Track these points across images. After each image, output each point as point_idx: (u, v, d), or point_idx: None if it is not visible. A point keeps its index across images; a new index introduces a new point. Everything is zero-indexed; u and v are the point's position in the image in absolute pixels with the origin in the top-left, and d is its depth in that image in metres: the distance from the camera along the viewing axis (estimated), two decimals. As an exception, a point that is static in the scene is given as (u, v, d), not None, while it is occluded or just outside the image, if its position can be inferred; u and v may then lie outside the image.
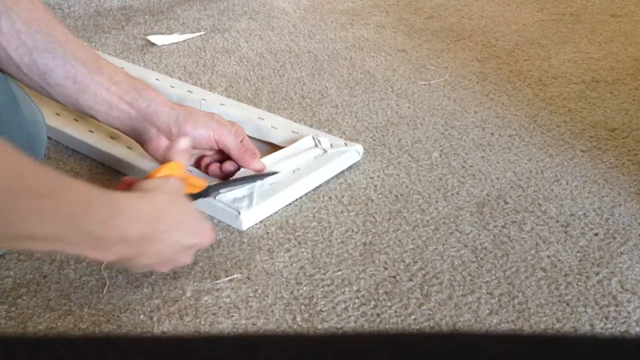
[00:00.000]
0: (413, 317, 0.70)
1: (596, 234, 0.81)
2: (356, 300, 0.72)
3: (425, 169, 0.94)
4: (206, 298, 0.73)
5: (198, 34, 1.40)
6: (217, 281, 0.75)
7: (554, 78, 1.19)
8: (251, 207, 0.83)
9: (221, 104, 1.06)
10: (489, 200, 0.88)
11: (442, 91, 1.15)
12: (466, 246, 0.80)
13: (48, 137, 0.93)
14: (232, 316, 0.71)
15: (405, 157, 0.97)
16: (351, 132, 1.03)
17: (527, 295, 0.72)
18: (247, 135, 0.91)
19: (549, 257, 0.78)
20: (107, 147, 0.95)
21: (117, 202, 0.60)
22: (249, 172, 0.86)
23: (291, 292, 0.74)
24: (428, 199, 0.88)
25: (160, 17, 1.50)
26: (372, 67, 1.24)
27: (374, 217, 0.85)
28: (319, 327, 0.70)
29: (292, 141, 0.95)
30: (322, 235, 0.82)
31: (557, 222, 0.83)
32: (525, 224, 0.83)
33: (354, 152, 0.94)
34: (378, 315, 0.71)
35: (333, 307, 0.72)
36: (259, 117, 1.02)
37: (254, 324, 0.70)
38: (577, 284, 0.74)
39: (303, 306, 0.72)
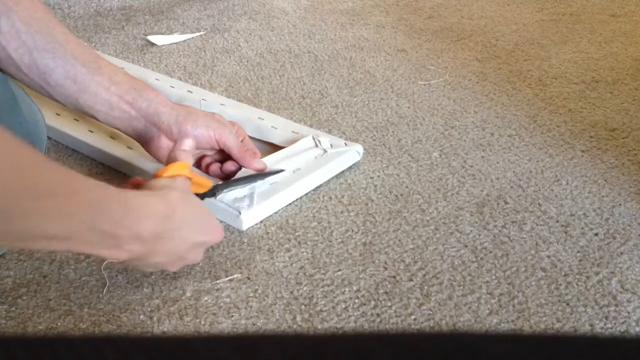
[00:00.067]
0: (413, 317, 0.70)
1: (596, 234, 0.81)
2: (356, 300, 0.72)
3: (425, 169, 0.94)
4: (206, 298, 0.73)
5: (198, 34, 1.40)
6: (217, 281, 0.75)
7: (554, 78, 1.19)
8: (251, 207, 0.83)
9: (221, 104, 1.06)
10: (489, 200, 0.88)
11: (442, 91, 1.15)
12: (466, 246, 0.80)
13: (48, 137, 0.93)
14: (232, 316, 0.71)
15: (405, 157, 0.97)
16: (351, 132, 1.03)
17: (527, 295, 0.72)
18: (247, 135, 0.91)
19: (549, 257, 0.78)
20: (107, 147, 0.95)
21: (130, 200, 0.60)
22: (250, 172, 0.86)
23: (291, 292, 0.74)
24: (428, 199, 0.88)
25: (160, 17, 1.50)
26: (372, 67, 1.24)
27: (374, 217, 0.85)
28: (319, 327, 0.70)
29: (292, 141, 0.95)
30: (322, 235, 0.82)
31: (557, 222, 0.83)
32: (525, 224, 0.83)
33: (354, 152, 0.94)
34: (378, 315, 0.71)
35: (333, 307, 0.72)
36: (259, 117, 1.02)
37: (254, 324, 0.70)
38: (577, 284, 0.74)
39: (303, 306, 0.72)
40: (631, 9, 1.50)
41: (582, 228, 0.82)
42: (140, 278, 0.76)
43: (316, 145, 0.94)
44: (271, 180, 0.87)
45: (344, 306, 0.72)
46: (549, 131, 1.03)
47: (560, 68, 1.22)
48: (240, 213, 0.82)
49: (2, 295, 0.74)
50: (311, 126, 1.04)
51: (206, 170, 0.88)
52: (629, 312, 0.70)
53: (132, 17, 1.50)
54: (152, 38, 1.37)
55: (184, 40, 1.37)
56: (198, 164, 0.89)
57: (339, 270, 0.77)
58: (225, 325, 0.70)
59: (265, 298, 0.73)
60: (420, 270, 0.76)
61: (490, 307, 0.71)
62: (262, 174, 0.86)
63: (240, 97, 1.14)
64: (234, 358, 0.32)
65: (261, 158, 0.88)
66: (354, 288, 0.74)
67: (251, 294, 0.73)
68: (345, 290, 0.74)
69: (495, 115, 1.07)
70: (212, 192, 0.79)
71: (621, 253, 0.78)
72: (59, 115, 1.03)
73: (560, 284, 0.74)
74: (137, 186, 0.71)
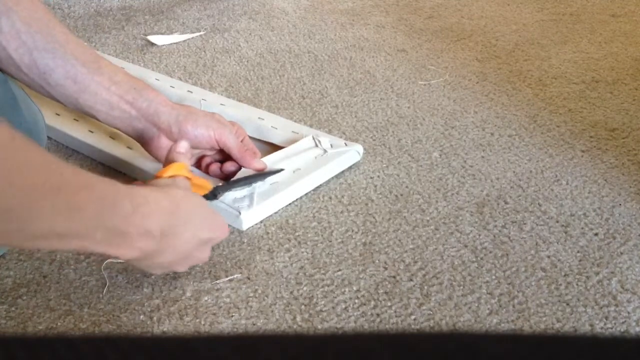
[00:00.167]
0: (413, 317, 0.70)
1: (596, 234, 0.81)
2: (356, 300, 0.72)
3: (425, 169, 0.94)
4: (206, 298, 0.73)
5: (198, 34, 1.40)
6: (217, 281, 0.75)
7: (554, 78, 1.19)
8: (251, 207, 0.83)
9: (221, 104, 1.06)
10: (489, 200, 0.88)
11: (442, 91, 1.15)
12: (466, 246, 0.80)
13: (48, 137, 0.93)
14: (232, 316, 0.71)
15: (405, 157, 0.97)
16: (351, 132, 1.03)
17: (527, 295, 0.72)
18: (247, 135, 0.91)
19: (549, 257, 0.78)
20: (107, 147, 0.95)
21: (138, 195, 0.61)
22: (250, 172, 0.86)
23: (291, 292, 0.74)
24: (428, 199, 0.88)
25: (160, 17, 1.50)
26: (372, 67, 1.24)
27: (374, 217, 0.85)
28: (319, 327, 0.70)
29: (292, 141, 0.95)
30: (322, 235, 0.82)
31: (557, 222, 0.83)
32: (525, 224, 0.83)
33: (354, 152, 0.94)
34: (378, 315, 0.71)
35: (333, 307, 0.72)
36: (259, 117, 1.02)
37: (254, 324, 0.70)
38: (577, 284, 0.74)
39: (303, 306, 0.72)
40: (631, 9, 1.50)
41: (582, 228, 0.82)
42: (140, 278, 0.76)
43: (316, 145, 0.94)
44: (271, 180, 0.87)
45: (344, 306, 0.72)
46: (549, 131, 1.03)
47: (560, 68, 1.22)
48: (240, 213, 0.82)
49: (2, 295, 0.74)
50: (311, 126, 1.04)
51: (206, 170, 0.88)
52: (629, 312, 0.70)
53: (132, 17, 1.50)
54: (152, 38, 1.37)
55: (184, 40, 1.37)
56: (198, 164, 0.89)
57: (339, 270, 0.77)
58: (225, 325, 0.70)
59: (265, 298, 0.73)
60: (420, 270, 0.76)
61: (490, 307, 0.71)
62: (262, 174, 0.87)
63: (240, 97, 1.14)
64: (234, 358, 0.32)
65: (261, 158, 0.88)
66: (354, 288, 0.74)
67: (251, 294, 0.73)
68: (345, 290, 0.74)
69: (495, 115, 1.07)
70: (213, 194, 0.79)
71: (621, 253, 0.78)
72: (59, 115, 1.03)
73: (560, 284, 0.74)
74: None
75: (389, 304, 0.72)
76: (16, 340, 0.32)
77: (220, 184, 0.83)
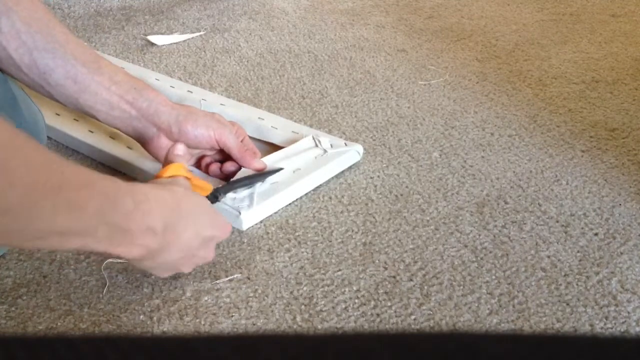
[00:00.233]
0: (413, 317, 0.70)
1: (596, 234, 0.81)
2: (356, 300, 0.72)
3: (425, 169, 0.94)
4: (206, 298, 0.73)
5: (198, 34, 1.40)
6: (217, 281, 0.75)
7: (554, 78, 1.19)
8: (251, 207, 0.83)
9: (221, 104, 1.06)
10: (489, 200, 0.88)
11: (442, 91, 1.15)
12: (466, 246, 0.80)
13: (48, 137, 0.93)
14: (232, 316, 0.71)
15: (405, 157, 0.97)
16: (351, 132, 1.03)
17: (527, 295, 0.72)
18: (247, 135, 0.91)
19: (549, 257, 0.78)
20: (107, 147, 0.95)
21: (139, 192, 0.60)
22: (250, 172, 0.86)
23: (291, 292, 0.74)
24: (428, 199, 0.88)
25: (160, 17, 1.50)
26: (372, 67, 1.24)
27: (374, 217, 0.85)
28: (319, 327, 0.70)
29: (292, 141, 0.95)
30: (322, 235, 0.82)
31: (557, 222, 0.83)
32: (525, 224, 0.83)
33: (354, 152, 0.94)
34: (378, 315, 0.71)
35: (333, 307, 0.72)
36: (259, 117, 1.02)
37: (254, 324, 0.70)
38: (577, 284, 0.74)
39: (303, 306, 0.72)
40: (631, 9, 1.50)
41: (582, 228, 0.82)
42: (140, 278, 0.76)
43: (316, 145, 0.94)
44: (271, 180, 0.87)
45: (344, 306, 0.72)
46: (549, 131, 1.03)
47: (560, 68, 1.22)
48: (240, 213, 0.82)
49: (2, 295, 0.74)
50: (311, 126, 1.04)
51: (206, 170, 0.88)
52: (629, 312, 0.70)
53: (132, 17, 1.50)
54: (152, 38, 1.37)
55: (184, 40, 1.37)
56: (198, 164, 0.89)
57: (339, 270, 0.77)
58: (225, 325, 0.70)
59: (265, 298, 0.73)
60: (420, 270, 0.76)
61: (490, 307, 0.71)
62: (262, 174, 0.87)
63: (240, 97, 1.14)
64: (234, 358, 0.32)
65: (261, 158, 0.88)
66: (354, 288, 0.74)
67: (251, 294, 0.73)
68: (345, 290, 0.74)
69: (495, 115, 1.07)
70: (214, 196, 0.80)
71: (621, 253, 0.78)
72: (59, 115, 1.03)
73: (560, 284, 0.74)
74: None
75: (389, 304, 0.72)
76: (16, 340, 0.32)
77: (220, 186, 0.83)
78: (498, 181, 0.91)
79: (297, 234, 0.82)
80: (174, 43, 1.36)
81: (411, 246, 0.80)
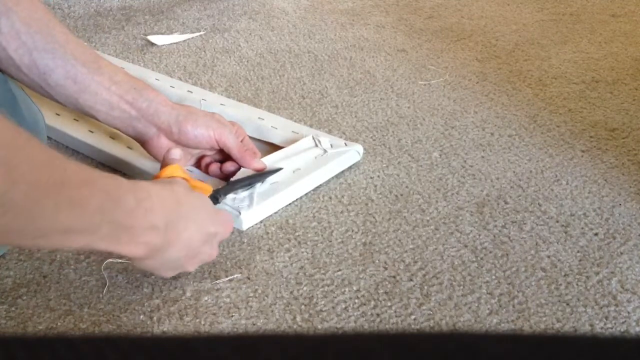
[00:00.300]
0: (413, 317, 0.70)
1: (596, 234, 0.81)
2: (356, 300, 0.72)
3: (425, 169, 0.94)
4: (206, 298, 0.73)
5: (198, 34, 1.40)
6: (217, 281, 0.75)
7: (554, 78, 1.19)
8: (251, 207, 0.83)
9: (221, 104, 1.06)
10: (489, 200, 0.88)
11: (442, 91, 1.15)
12: (466, 246, 0.80)
13: (48, 137, 0.93)
14: (232, 316, 0.71)
15: (405, 157, 0.97)
16: (351, 132, 1.03)
17: (527, 295, 0.72)
18: (247, 135, 0.91)
19: (549, 257, 0.78)
20: (107, 147, 0.95)
21: (141, 190, 0.60)
22: (249, 172, 0.86)
23: (291, 292, 0.74)
24: (428, 199, 0.88)
25: (160, 17, 1.50)
26: (372, 67, 1.24)
27: (374, 217, 0.85)
28: (319, 327, 0.70)
29: (292, 141, 0.95)
30: (322, 235, 0.82)
31: (557, 222, 0.83)
32: (525, 224, 0.83)
33: (354, 152, 0.94)
34: (378, 315, 0.71)
35: (333, 307, 0.72)
36: (259, 117, 1.02)
37: (254, 324, 0.70)
38: (577, 284, 0.74)
39: (303, 306, 0.72)
40: (631, 9, 1.50)
41: (582, 228, 0.82)
42: (140, 278, 0.76)
43: (316, 145, 0.94)
44: (271, 180, 0.87)
45: (344, 306, 0.72)
46: (549, 131, 1.03)
47: (560, 68, 1.22)
48: (240, 213, 0.82)
49: (2, 295, 0.74)
50: (311, 126, 1.04)
51: (206, 170, 0.88)
52: (629, 312, 0.70)
53: (132, 17, 1.50)
54: (152, 38, 1.37)
55: (184, 40, 1.37)
56: (198, 164, 0.89)
57: (339, 270, 0.77)
58: (225, 325, 0.70)
59: (265, 298, 0.73)
60: (420, 270, 0.76)
61: (490, 307, 0.71)
62: (261, 174, 0.87)
63: (240, 97, 1.14)
64: (234, 358, 0.32)
65: (261, 158, 0.88)
66: (354, 288, 0.74)
67: (251, 294, 0.73)
68: (345, 290, 0.74)
69: (495, 115, 1.07)
70: (215, 197, 0.80)
71: (621, 253, 0.78)
72: (59, 115, 1.03)
73: (560, 284, 0.74)
74: None
75: (389, 304, 0.72)
76: (16, 340, 0.32)
77: (220, 187, 0.83)
78: (498, 181, 0.91)
79: (297, 234, 0.82)
80: (174, 43, 1.36)
81: (411, 246, 0.80)
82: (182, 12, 1.52)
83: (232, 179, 0.85)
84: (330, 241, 0.81)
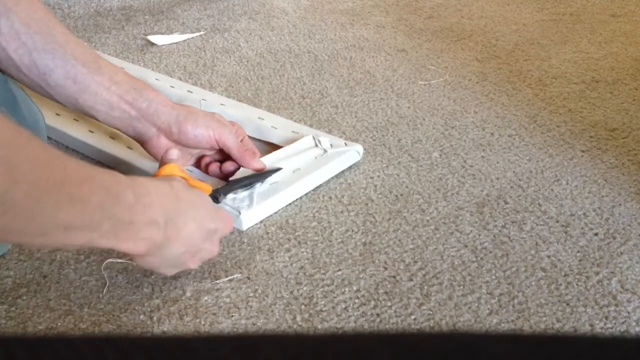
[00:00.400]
0: (413, 317, 0.70)
1: (596, 234, 0.81)
2: (356, 300, 0.72)
3: (425, 169, 0.94)
4: (206, 298, 0.73)
5: (198, 34, 1.40)
6: (217, 281, 0.75)
7: (554, 78, 1.19)
8: (251, 207, 0.83)
9: (221, 104, 1.06)
10: (489, 200, 0.88)
11: (442, 91, 1.15)
12: (466, 246, 0.80)
13: (48, 137, 0.93)
14: (232, 316, 0.71)
15: (405, 157, 0.97)
16: (351, 132, 1.03)
17: (527, 295, 0.72)
18: (247, 135, 0.91)
19: (549, 257, 0.78)
20: (107, 147, 0.95)
21: (140, 186, 0.61)
22: (249, 172, 0.86)
23: (291, 292, 0.74)
24: (428, 199, 0.88)
25: (160, 17, 1.50)
26: (372, 67, 1.24)
27: (374, 217, 0.85)
28: (319, 327, 0.70)
29: (292, 141, 0.95)
30: (322, 235, 0.82)
31: (557, 222, 0.83)
32: (525, 224, 0.83)
33: (354, 152, 0.94)
34: (378, 315, 0.71)
35: (333, 307, 0.72)
36: (259, 117, 1.02)
37: (254, 324, 0.70)
38: (577, 284, 0.74)
39: (303, 306, 0.72)
40: (631, 9, 1.50)
41: (582, 228, 0.82)
42: (140, 278, 0.76)
43: (316, 145, 0.94)
44: (271, 180, 0.87)
45: (344, 306, 0.72)
46: (549, 131, 1.03)
47: (560, 68, 1.22)
48: (240, 213, 0.82)
49: (2, 295, 0.74)
50: (311, 126, 1.04)
51: (205, 170, 0.88)
52: (629, 312, 0.70)
53: (132, 17, 1.50)
54: (152, 38, 1.37)
55: (184, 40, 1.37)
56: (197, 163, 0.89)
57: (339, 270, 0.77)
58: (225, 325, 0.70)
59: (265, 298, 0.73)
60: (420, 270, 0.76)
61: (490, 307, 0.71)
62: (261, 174, 0.87)
63: (240, 97, 1.14)
64: (234, 358, 0.32)
65: (261, 158, 0.88)
66: (354, 288, 0.74)
67: (251, 294, 0.74)
68: (345, 290, 0.74)
69: (495, 115, 1.07)
70: (214, 197, 0.80)
71: (621, 253, 0.78)
72: (59, 115, 1.03)
73: (560, 284, 0.74)
74: None
75: (389, 304, 0.72)
76: (16, 340, 0.32)
77: (220, 186, 0.83)
78: (498, 181, 0.91)
79: (297, 234, 0.82)
80: (174, 43, 1.36)
81: (411, 246, 0.80)
82: (182, 12, 1.52)
83: (231, 179, 0.85)
84: (330, 241, 0.81)
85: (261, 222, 0.84)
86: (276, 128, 0.99)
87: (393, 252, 0.79)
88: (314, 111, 1.09)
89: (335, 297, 0.73)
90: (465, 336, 0.39)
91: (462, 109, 1.09)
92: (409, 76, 1.20)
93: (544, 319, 0.70)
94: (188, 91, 1.10)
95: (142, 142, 0.83)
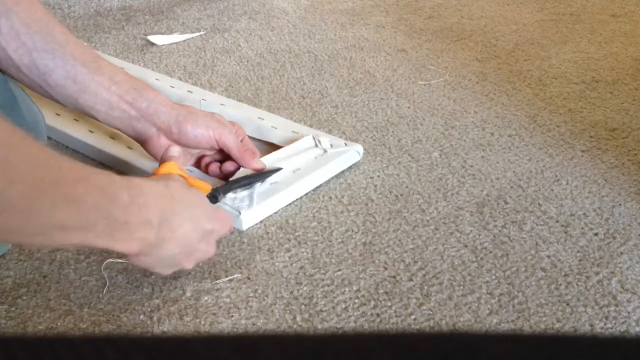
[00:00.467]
0: (413, 317, 0.70)
1: (596, 234, 0.81)
2: (356, 300, 0.72)
3: (425, 169, 0.94)
4: (206, 298, 0.73)
5: (198, 34, 1.40)
6: (217, 281, 0.75)
7: (554, 78, 1.19)
8: (251, 207, 0.83)
9: (221, 104, 1.06)
10: (489, 200, 0.88)
11: (442, 91, 1.15)
12: (466, 246, 0.80)
13: (48, 137, 0.93)
14: (232, 316, 0.71)
15: (405, 157, 0.97)
16: (351, 132, 1.03)
17: (527, 295, 0.72)
18: (247, 135, 0.91)
19: (549, 257, 0.78)
20: (107, 147, 0.95)
21: (134, 186, 0.61)
22: (249, 172, 0.86)
23: (291, 292, 0.74)
24: (428, 199, 0.88)
25: (160, 17, 1.50)
26: (372, 67, 1.24)
27: (374, 217, 0.85)
28: (319, 327, 0.70)
29: (292, 141, 0.95)
30: (322, 235, 0.82)
31: (557, 222, 0.83)
32: (525, 224, 0.83)
33: (354, 152, 0.94)
34: (378, 315, 0.71)
35: (333, 307, 0.72)
36: (259, 117, 1.02)
37: (254, 324, 0.70)
38: (577, 284, 0.74)
39: (303, 306, 0.72)
40: (631, 9, 1.50)
41: (582, 228, 0.82)
42: (140, 278, 0.76)
43: (316, 145, 0.94)
44: (271, 180, 0.87)
45: (344, 306, 0.72)
46: (549, 131, 1.03)
47: (560, 68, 1.22)
48: (240, 213, 0.82)
49: (2, 295, 0.74)
50: (311, 126, 1.04)
51: (205, 170, 0.88)
52: (629, 312, 0.70)
53: (132, 17, 1.50)
54: (152, 38, 1.37)
55: (184, 40, 1.37)
56: (197, 163, 0.89)
57: (339, 270, 0.77)
58: (225, 325, 0.70)
59: (265, 298, 0.73)
60: (420, 270, 0.76)
61: (490, 307, 0.71)
62: (260, 174, 0.87)
63: (240, 97, 1.14)
64: (234, 358, 0.32)
65: (261, 158, 0.88)
66: (354, 288, 0.74)
67: (251, 294, 0.74)
68: (345, 290, 0.74)
69: (495, 115, 1.07)
70: (214, 196, 0.80)
71: (621, 253, 0.78)
72: (59, 115, 1.03)
73: (560, 284, 0.74)
74: None
75: (389, 304, 0.72)
76: (16, 340, 0.32)
77: (219, 185, 0.83)
78: (498, 181, 0.91)
79: (297, 234, 0.82)
80: (174, 43, 1.36)
81: (411, 246, 0.80)
82: (182, 12, 1.52)
83: (231, 179, 0.85)
84: (330, 241, 0.81)
85: (261, 222, 0.84)
86: (276, 128, 0.99)
87: (393, 252, 0.79)
88: (314, 111, 1.09)
89: (335, 297, 0.73)
90: (465, 336, 0.39)
91: (462, 109, 1.09)
92: (409, 76, 1.20)
93: (544, 319, 0.70)
94: (188, 91, 1.10)
95: (142, 142, 0.83)
